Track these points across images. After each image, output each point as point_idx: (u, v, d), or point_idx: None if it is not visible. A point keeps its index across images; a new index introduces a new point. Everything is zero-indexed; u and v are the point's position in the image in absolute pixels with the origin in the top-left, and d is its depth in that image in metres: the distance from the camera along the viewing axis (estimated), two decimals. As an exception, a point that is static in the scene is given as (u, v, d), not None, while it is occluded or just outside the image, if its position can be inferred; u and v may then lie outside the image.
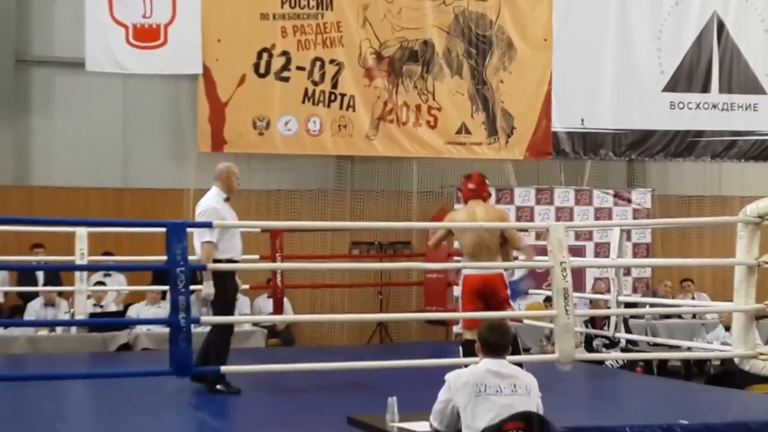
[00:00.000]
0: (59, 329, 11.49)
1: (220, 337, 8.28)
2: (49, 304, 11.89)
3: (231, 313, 8.39)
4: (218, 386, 8.10)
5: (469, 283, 8.28)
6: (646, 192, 15.46)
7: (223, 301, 8.20)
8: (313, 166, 14.90)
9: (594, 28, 15.25)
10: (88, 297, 11.40)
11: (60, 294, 12.07)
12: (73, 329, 11.43)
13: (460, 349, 8.28)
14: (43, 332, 11.38)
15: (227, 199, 8.53)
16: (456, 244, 12.84)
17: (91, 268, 12.05)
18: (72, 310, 11.26)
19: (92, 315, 11.41)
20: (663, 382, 9.86)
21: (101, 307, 12.02)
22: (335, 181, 15.13)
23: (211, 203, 8.42)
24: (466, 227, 8.30)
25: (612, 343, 11.37)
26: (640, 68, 15.42)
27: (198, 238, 8.18)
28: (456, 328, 13.54)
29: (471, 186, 8.47)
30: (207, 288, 8.00)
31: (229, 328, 8.48)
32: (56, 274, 12.63)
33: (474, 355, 7.49)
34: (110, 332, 11.31)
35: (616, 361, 11.44)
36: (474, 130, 14.81)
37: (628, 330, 11.89)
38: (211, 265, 8.08)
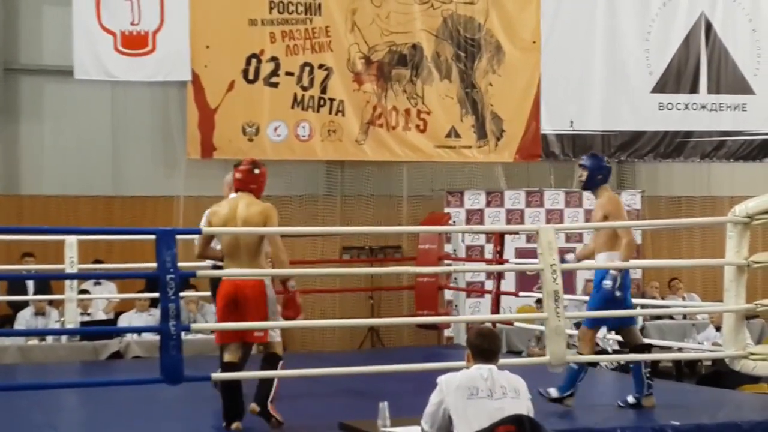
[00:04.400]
0: (50, 338, 11.45)
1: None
2: (40, 313, 11.86)
3: None
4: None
5: (222, 290, 7.09)
6: (636, 193, 15.48)
7: None
8: (303, 171, 14.90)
9: (582, 29, 15.30)
10: (78, 306, 11.37)
11: (50, 303, 12.03)
12: (64, 338, 11.41)
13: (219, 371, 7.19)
14: (34, 341, 11.34)
15: None
16: (447, 248, 12.98)
17: (81, 276, 12.02)
18: (62, 318, 11.23)
19: (82, 324, 11.38)
20: (654, 383, 9.85)
21: (89, 315, 11.99)
22: (325, 186, 15.12)
23: None
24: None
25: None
26: (629, 69, 15.47)
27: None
28: (447, 332, 13.55)
29: (237, 176, 7.26)
30: None
31: None
32: (46, 283, 12.60)
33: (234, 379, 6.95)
34: (101, 341, 11.29)
35: (611, 363, 11.43)
36: (463, 133, 14.83)
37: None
38: (201, 272, 8.08)
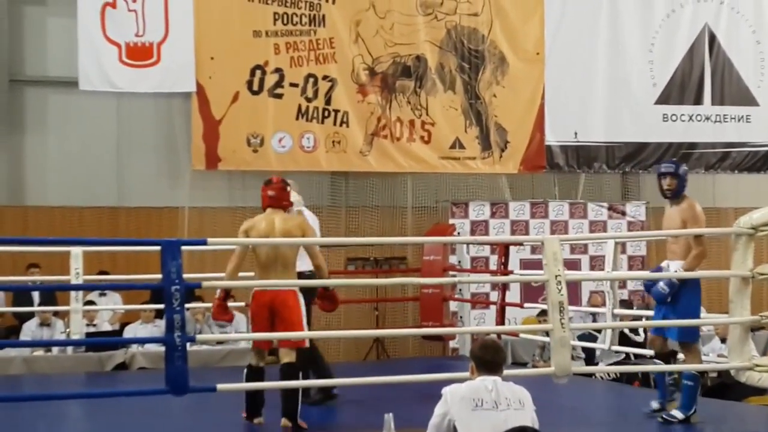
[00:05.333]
0: (55, 349, 11.45)
1: (309, 357, 8.19)
2: (45, 324, 11.85)
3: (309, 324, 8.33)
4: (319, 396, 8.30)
5: (257, 300, 7.55)
6: (641, 204, 15.48)
7: (308, 313, 8.20)
8: (307, 182, 14.84)
9: (586, 41, 15.31)
10: (83, 317, 11.37)
11: (55, 314, 12.04)
12: (69, 349, 11.40)
13: (245, 372, 7.60)
14: (39, 353, 11.34)
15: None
16: (452, 259, 12.98)
17: (87, 287, 12.03)
18: (68, 330, 11.23)
19: (88, 335, 11.38)
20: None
21: (94, 326, 11.99)
22: (330, 197, 15.13)
23: None
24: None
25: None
26: (633, 81, 15.48)
27: None
28: (452, 344, 13.54)
29: (270, 193, 7.70)
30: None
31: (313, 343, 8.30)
32: (51, 294, 12.60)
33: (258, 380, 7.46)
34: (106, 352, 11.29)
35: (607, 374, 11.42)
36: (468, 144, 14.84)
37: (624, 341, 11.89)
38: (207, 283, 8.15)
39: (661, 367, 7.96)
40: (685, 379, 7.61)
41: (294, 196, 8.14)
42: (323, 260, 7.74)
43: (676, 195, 7.77)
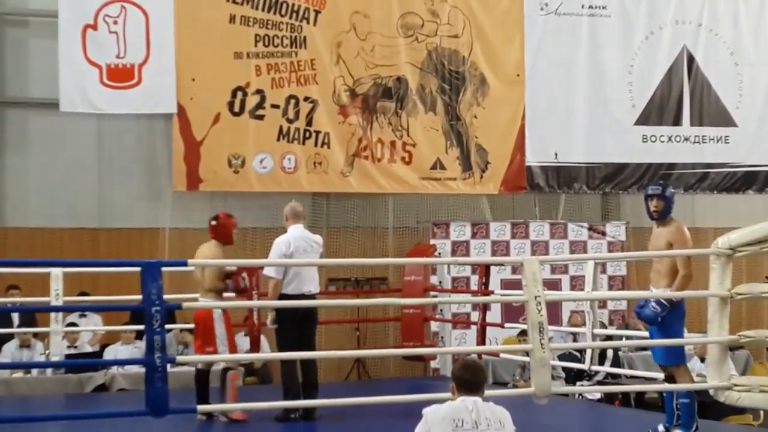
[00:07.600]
0: (35, 371, 11.40)
1: (283, 372, 8.85)
2: (25, 345, 11.80)
3: (286, 345, 8.80)
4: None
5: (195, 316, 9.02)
6: (621, 225, 15.54)
7: (280, 334, 8.88)
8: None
9: (566, 62, 15.41)
10: (63, 338, 11.33)
11: (35, 335, 11.99)
12: (49, 371, 11.36)
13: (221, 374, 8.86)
14: (19, 374, 11.29)
15: None
16: (433, 279, 13.01)
17: (67, 309, 11.99)
18: (47, 351, 11.19)
19: (68, 356, 11.34)
20: (640, 414, 9.88)
21: (76, 348, 11.95)
22: (311, 218, 15.10)
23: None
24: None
25: (589, 377, 11.40)
26: (612, 102, 15.58)
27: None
28: (434, 364, 13.55)
29: (212, 224, 9.10)
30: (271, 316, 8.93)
31: (288, 363, 8.84)
32: (31, 316, 12.53)
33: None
34: (86, 373, 11.24)
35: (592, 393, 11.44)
36: (449, 165, 14.90)
37: (615, 362, 11.92)
38: (187, 305, 8.18)
39: (639, 387, 7.98)
40: (680, 398, 7.62)
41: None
42: (218, 285, 8.82)
43: (662, 216, 7.82)
